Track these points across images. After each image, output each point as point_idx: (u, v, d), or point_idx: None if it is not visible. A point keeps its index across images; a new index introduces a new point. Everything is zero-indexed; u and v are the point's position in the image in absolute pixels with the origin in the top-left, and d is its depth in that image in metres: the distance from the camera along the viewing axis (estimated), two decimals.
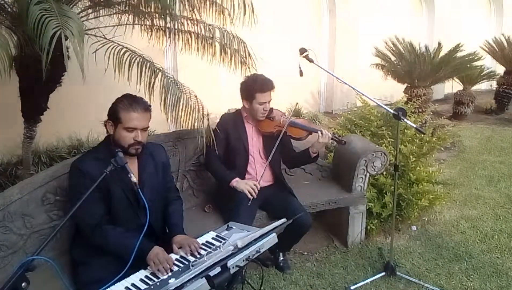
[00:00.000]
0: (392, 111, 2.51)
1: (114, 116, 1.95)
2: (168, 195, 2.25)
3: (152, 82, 2.53)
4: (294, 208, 2.62)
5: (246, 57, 3.07)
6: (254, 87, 2.62)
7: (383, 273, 2.78)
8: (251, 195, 2.54)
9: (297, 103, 2.82)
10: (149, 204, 2.01)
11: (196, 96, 2.62)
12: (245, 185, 2.56)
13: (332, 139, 2.64)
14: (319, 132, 2.62)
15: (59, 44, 1.91)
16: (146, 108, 1.98)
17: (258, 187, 2.57)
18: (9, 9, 2.60)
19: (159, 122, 4.83)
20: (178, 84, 2.58)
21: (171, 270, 1.80)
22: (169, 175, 2.30)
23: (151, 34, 3.16)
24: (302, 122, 2.80)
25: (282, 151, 2.81)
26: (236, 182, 2.59)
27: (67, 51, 2.72)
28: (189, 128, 2.56)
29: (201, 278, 1.52)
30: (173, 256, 1.91)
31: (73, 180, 2.00)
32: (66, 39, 1.92)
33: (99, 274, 1.84)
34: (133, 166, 2.03)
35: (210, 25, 3.04)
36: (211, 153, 2.68)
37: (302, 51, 2.64)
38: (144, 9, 2.92)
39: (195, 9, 2.93)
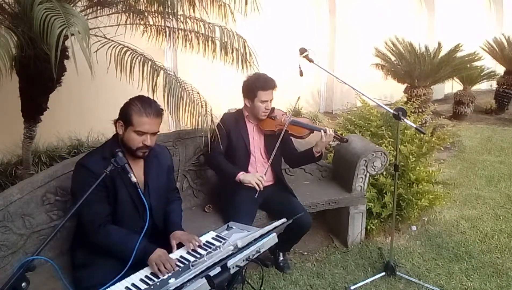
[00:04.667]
0: (392, 111, 2.51)
1: (125, 117, 1.92)
2: (170, 196, 2.26)
3: (154, 81, 2.53)
4: (294, 208, 2.62)
5: (246, 55, 3.07)
6: (256, 84, 2.62)
7: (383, 273, 2.78)
8: (259, 187, 2.53)
9: (298, 98, 2.80)
10: (154, 205, 2.03)
11: (198, 93, 2.62)
12: (252, 177, 2.56)
13: (334, 137, 2.64)
14: (322, 131, 2.63)
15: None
16: (159, 113, 1.96)
17: (264, 178, 2.57)
18: (9, 9, 2.60)
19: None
20: (180, 81, 2.58)
21: (173, 270, 1.80)
22: (172, 178, 2.32)
23: (151, 33, 3.16)
24: (303, 120, 2.81)
25: (283, 150, 2.81)
26: (243, 175, 2.59)
27: (67, 51, 2.74)
28: (192, 126, 2.56)
29: (201, 278, 1.52)
30: (173, 256, 1.91)
31: (78, 179, 1.97)
32: (67, 38, 1.92)
33: (100, 277, 1.82)
34: (139, 167, 2.04)
35: (210, 23, 3.04)
36: (215, 149, 2.66)
37: (302, 51, 2.65)
38: (143, 9, 2.92)
39: (194, 5, 2.93)
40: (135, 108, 1.91)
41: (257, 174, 2.61)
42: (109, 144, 2.04)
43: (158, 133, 2.01)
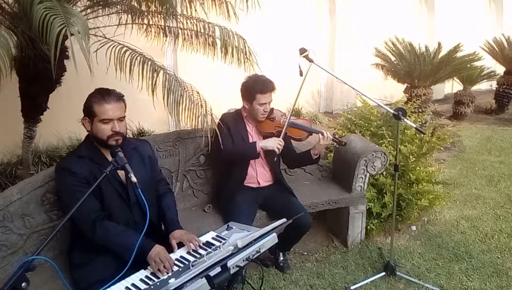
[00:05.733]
0: (392, 111, 2.51)
1: (88, 111, 1.95)
2: (159, 188, 2.27)
3: (154, 80, 2.53)
4: (294, 208, 2.62)
5: (246, 54, 3.06)
6: (255, 87, 2.61)
7: (383, 273, 2.78)
8: (279, 150, 2.58)
9: (296, 99, 2.80)
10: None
11: (198, 92, 2.62)
12: (273, 142, 2.59)
13: (332, 140, 2.63)
14: (320, 134, 2.62)
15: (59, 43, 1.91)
16: (119, 98, 1.99)
17: (282, 143, 2.61)
18: (9, 9, 2.60)
19: (159, 122, 4.86)
20: (180, 81, 2.58)
21: (172, 270, 1.80)
22: (156, 169, 2.31)
23: (151, 33, 3.16)
24: (302, 122, 2.79)
25: (282, 151, 2.80)
26: (262, 142, 2.61)
27: (67, 51, 2.74)
28: (192, 126, 2.56)
29: (201, 278, 1.52)
30: (174, 256, 1.91)
31: (62, 181, 1.98)
32: (66, 38, 1.92)
33: (98, 275, 1.83)
34: None
35: (210, 23, 3.04)
36: (218, 145, 2.62)
37: (302, 51, 2.64)
38: (143, 8, 2.92)
39: (193, 3, 2.92)
40: (94, 99, 1.94)
41: (277, 139, 2.61)
42: (82, 144, 2.09)
43: (125, 119, 2.01)
